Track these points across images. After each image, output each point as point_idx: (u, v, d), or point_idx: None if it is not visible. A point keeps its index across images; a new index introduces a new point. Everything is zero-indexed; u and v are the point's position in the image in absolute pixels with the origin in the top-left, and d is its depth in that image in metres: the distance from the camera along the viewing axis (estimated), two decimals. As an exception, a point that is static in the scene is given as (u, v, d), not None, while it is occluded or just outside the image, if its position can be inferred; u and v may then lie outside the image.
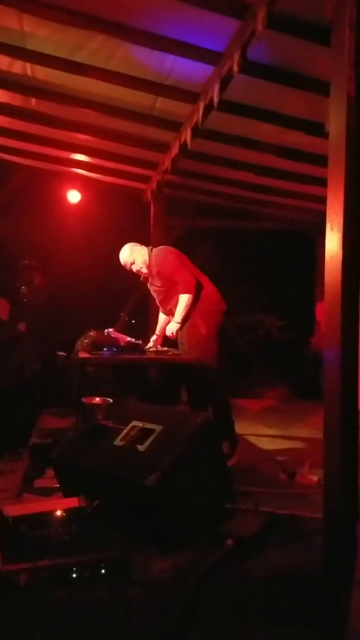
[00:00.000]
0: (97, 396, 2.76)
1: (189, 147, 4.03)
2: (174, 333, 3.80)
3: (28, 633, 1.72)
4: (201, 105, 3.51)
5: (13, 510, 2.31)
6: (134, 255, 3.93)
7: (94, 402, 2.72)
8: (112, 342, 3.68)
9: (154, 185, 5.45)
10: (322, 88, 2.85)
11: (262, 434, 4.66)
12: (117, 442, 2.48)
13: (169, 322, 4.11)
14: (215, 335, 3.78)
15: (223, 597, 1.92)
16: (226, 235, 6.96)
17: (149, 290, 4.14)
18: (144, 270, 3.94)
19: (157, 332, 4.18)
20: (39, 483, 3.04)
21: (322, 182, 2.29)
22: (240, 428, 4.53)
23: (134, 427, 2.50)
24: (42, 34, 3.27)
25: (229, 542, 2.13)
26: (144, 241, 4.15)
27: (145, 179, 5.64)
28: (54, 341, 5.40)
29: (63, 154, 5.37)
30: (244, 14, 2.67)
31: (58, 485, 2.75)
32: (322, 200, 2.23)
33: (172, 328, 3.78)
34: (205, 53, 3.13)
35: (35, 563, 1.88)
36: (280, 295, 7.20)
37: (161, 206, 5.71)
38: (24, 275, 5.43)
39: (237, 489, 2.68)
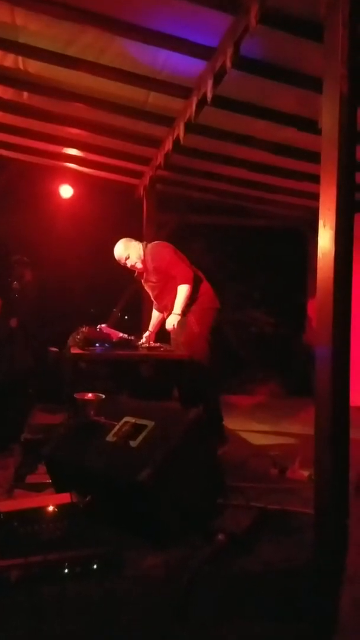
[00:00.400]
0: (90, 392, 2.76)
1: (181, 142, 4.02)
2: (175, 325, 3.73)
3: (19, 629, 1.72)
4: (194, 100, 3.50)
5: (4, 506, 2.30)
6: (128, 251, 3.92)
7: (86, 398, 2.71)
8: (105, 338, 3.67)
9: (146, 180, 5.44)
10: (315, 85, 2.85)
11: (254, 429, 4.68)
12: (110, 438, 2.48)
13: (162, 318, 4.11)
14: (207, 334, 3.78)
15: (214, 592, 1.93)
16: (218, 232, 6.95)
17: (141, 286, 4.13)
18: (139, 265, 3.93)
19: (150, 328, 4.18)
20: (30, 479, 3.03)
21: (315, 179, 2.30)
22: (232, 424, 4.55)
23: (126, 423, 2.50)
24: (34, 28, 3.25)
25: (221, 537, 2.14)
26: (136, 237, 4.15)
27: (138, 175, 5.63)
28: (45, 337, 5.39)
29: (55, 148, 5.34)
30: (237, 9, 2.67)
31: (50, 481, 2.75)
32: (314, 197, 2.24)
33: (172, 320, 3.74)
34: (198, 48, 3.12)
35: (26, 559, 1.88)
36: (272, 291, 7.21)
37: (154, 202, 5.70)
38: (15, 271, 5.40)
39: (229, 484, 2.69)
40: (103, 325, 3.83)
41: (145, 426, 2.43)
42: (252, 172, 5.19)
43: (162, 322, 4.15)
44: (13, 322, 5.12)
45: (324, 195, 2.01)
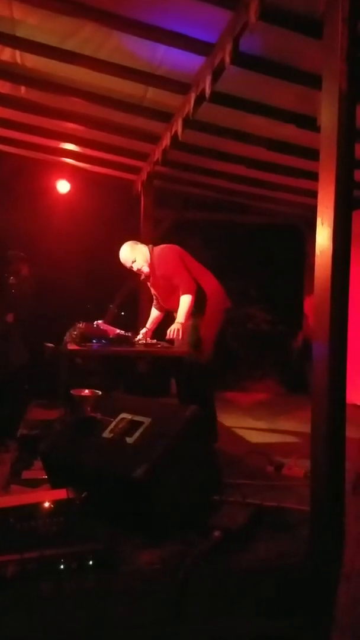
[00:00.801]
0: (86, 388, 2.75)
1: (179, 138, 4.01)
2: (174, 333, 3.56)
3: (15, 625, 1.72)
4: (192, 96, 3.49)
5: (0, 501, 2.30)
6: (134, 254, 3.82)
7: (82, 394, 2.71)
8: (101, 334, 3.66)
9: (144, 176, 5.43)
10: (314, 81, 2.85)
11: (250, 426, 4.69)
12: (106, 434, 2.48)
13: (161, 317, 4.11)
14: (213, 336, 3.75)
15: (210, 588, 1.93)
16: (215, 228, 6.94)
17: (138, 283, 4.10)
18: (146, 269, 3.84)
19: (147, 325, 4.16)
20: (26, 474, 3.02)
21: (313, 176, 2.30)
22: (229, 421, 4.56)
23: (122, 419, 2.50)
24: (32, 22, 3.23)
25: (217, 533, 2.14)
26: (133, 233, 4.13)
27: (135, 170, 5.61)
28: (42, 332, 5.37)
29: (52, 143, 5.32)
30: (236, 5, 2.66)
31: (46, 477, 2.75)
32: (312, 194, 2.24)
33: (174, 328, 3.61)
34: (197, 44, 3.11)
35: (22, 555, 1.87)
36: (269, 288, 7.21)
37: (151, 197, 5.69)
38: (11, 266, 5.37)
39: (225, 481, 2.69)
40: (100, 322, 3.82)
41: (141, 423, 2.43)
42: (250, 169, 5.18)
43: (160, 320, 4.15)
44: (9, 318, 5.10)
45: (322, 192, 2.01)
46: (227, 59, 2.85)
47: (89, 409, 2.64)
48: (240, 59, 2.92)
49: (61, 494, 2.31)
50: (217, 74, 3.12)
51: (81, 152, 5.46)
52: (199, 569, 1.95)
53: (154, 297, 4.11)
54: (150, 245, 3.92)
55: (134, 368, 4.05)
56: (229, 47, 2.80)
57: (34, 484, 2.85)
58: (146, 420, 2.43)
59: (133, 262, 3.83)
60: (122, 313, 5.75)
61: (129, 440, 2.37)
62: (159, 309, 4.13)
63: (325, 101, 2.01)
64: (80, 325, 3.67)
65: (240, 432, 4.42)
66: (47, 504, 2.22)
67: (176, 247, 3.87)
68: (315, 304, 2.05)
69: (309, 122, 3.43)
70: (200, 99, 3.43)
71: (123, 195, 6.09)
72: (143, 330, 4.09)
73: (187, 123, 3.83)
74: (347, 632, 1.34)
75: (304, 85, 3.28)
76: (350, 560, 1.42)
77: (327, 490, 1.99)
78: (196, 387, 3.67)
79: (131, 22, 3.04)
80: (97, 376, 3.73)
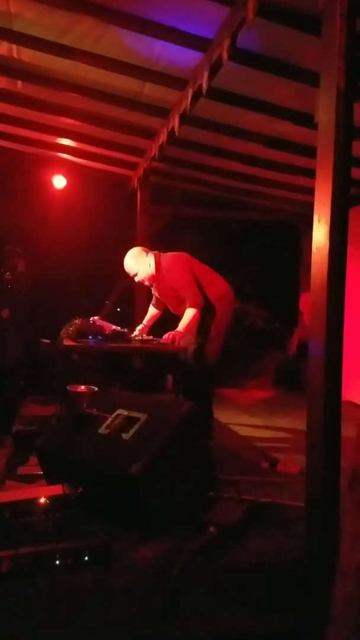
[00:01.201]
0: (82, 384, 2.75)
1: (176, 134, 4.00)
2: (170, 337, 3.55)
3: (10, 620, 1.72)
4: (189, 92, 3.48)
5: (-4, 497, 2.30)
6: (137, 267, 3.80)
7: (78, 390, 2.70)
8: (98, 330, 3.66)
9: (140, 172, 5.41)
10: (311, 78, 2.84)
11: (246, 423, 4.70)
12: (102, 430, 2.48)
13: (158, 315, 4.11)
14: (222, 337, 3.79)
15: (205, 584, 1.94)
16: (212, 225, 6.93)
17: (134, 280, 4.06)
18: (147, 283, 3.89)
19: (144, 321, 4.16)
20: (22, 470, 3.03)
21: (310, 173, 2.30)
22: (225, 417, 4.57)
23: (118, 415, 2.50)
24: (29, 16, 3.21)
25: (212, 529, 2.15)
26: (129, 229, 4.11)
27: (132, 166, 5.60)
28: (38, 328, 5.37)
29: (49, 138, 5.30)
30: (234, 1, 2.65)
31: (41, 473, 2.75)
32: (309, 192, 2.24)
33: (171, 334, 3.58)
34: (195, 39, 3.10)
35: (18, 550, 1.87)
36: (265, 285, 7.21)
37: (148, 193, 5.67)
38: (8, 262, 5.36)
39: (220, 477, 2.70)
40: (96, 318, 3.82)
41: (137, 419, 2.43)
42: (246, 165, 5.17)
43: (157, 318, 4.16)
44: (5, 313, 5.09)
45: (319, 189, 2.01)
46: (225, 55, 2.84)
47: (85, 405, 2.64)
48: (238, 55, 2.91)
49: (57, 489, 2.31)
50: (214, 70, 3.11)
51: (77, 147, 5.44)
52: (194, 564, 1.96)
53: (154, 296, 4.12)
54: (157, 252, 3.87)
55: (130, 364, 4.05)
56: (226, 43, 2.79)
57: (29, 479, 2.85)
58: (142, 417, 2.43)
59: (135, 275, 3.85)
60: (118, 309, 5.74)
61: (125, 436, 2.37)
62: (158, 307, 4.13)
63: (323, 98, 2.01)
64: (77, 321, 3.66)
65: (236, 428, 4.43)
66: (42, 500, 2.22)
67: (184, 257, 3.84)
68: (312, 301, 2.05)
69: (307, 120, 3.43)
70: (197, 94, 3.42)
71: (119, 191, 6.08)
72: (139, 327, 4.09)
73: (184, 119, 3.82)
74: (343, 629, 1.35)
75: (301, 82, 3.27)
76: (346, 557, 1.42)
77: (323, 487, 2.00)
78: (196, 384, 3.68)
79: (129, 17, 3.03)
80: (93, 372, 3.73)
